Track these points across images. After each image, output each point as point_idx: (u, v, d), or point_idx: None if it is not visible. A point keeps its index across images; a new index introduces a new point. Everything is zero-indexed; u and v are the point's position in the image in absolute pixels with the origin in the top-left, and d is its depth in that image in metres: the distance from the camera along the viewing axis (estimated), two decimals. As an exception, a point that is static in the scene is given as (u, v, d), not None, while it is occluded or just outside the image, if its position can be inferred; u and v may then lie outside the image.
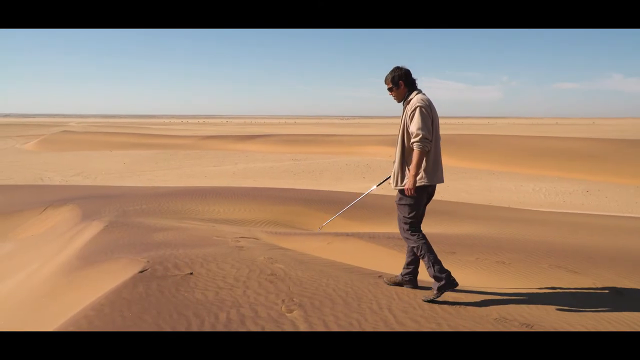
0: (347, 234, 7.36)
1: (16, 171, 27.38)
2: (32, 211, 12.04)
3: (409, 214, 4.09)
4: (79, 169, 28.23)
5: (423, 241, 4.07)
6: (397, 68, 4.24)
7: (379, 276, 4.57)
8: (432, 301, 3.99)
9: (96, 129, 70.03)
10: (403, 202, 4.11)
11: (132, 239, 6.14)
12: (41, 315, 4.61)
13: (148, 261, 4.60)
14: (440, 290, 4.00)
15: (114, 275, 4.50)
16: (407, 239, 4.14)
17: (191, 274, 4.31)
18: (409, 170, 4.02)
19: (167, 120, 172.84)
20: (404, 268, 4.39)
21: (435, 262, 4.02)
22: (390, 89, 4.26)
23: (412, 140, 3.96)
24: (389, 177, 4.50)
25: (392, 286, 4.38)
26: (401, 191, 4.11)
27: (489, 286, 4.84)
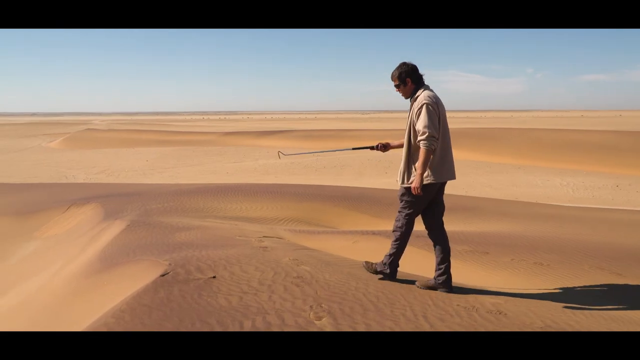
0: (374, 232, 7.11)
1: (41, 169, 27.85)
2: (56, 210, 12.11)
3: (409, 210, 4.13)
4: (102, 167, 28.56)
5: (405, 238, 4.18)
6: (404, 64, 4.15)
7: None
8: (374, 272, 4.34)
9: (119, 127, 71.02)
10: (406, 198, 4.11)
11: (154, 239, 6.01)
12: (63, 319, 4.51)
13: (170, 263, 4.44)
14: (380, 274, 4.31)
15: (135, 278, 4.36)
16: (395, 233, 4.21)
17: (214, 277, 4.12)
18: (414, 169, 4.00)
19: (188, 117, 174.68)
20: (436, 270, 4.22)
21: (396, 257, 4.22)
22: (397, 86, 4.19)
23: (419, 138, 3.91)
24: (369, 147, 4.66)
25: (426, 290, 4.13)
26: (406, 188, 4.08)
27: (529, 290, 4.55)
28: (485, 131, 39.59)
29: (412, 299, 3.85)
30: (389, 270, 4.27)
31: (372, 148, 4.64)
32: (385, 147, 4.60)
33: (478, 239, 6.34)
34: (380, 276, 4.34)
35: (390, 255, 4.26)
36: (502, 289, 4.46)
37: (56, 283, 5.87)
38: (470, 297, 4.00)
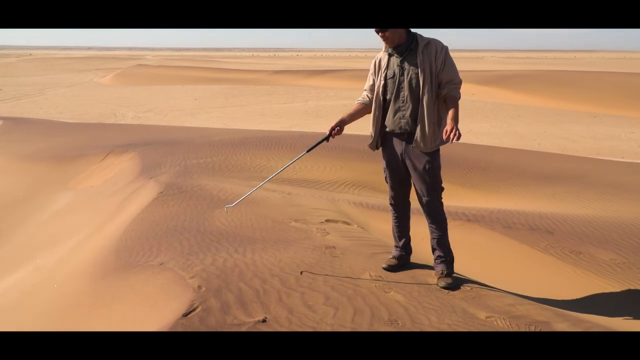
0: (467, 217, 5.44)
1: (92, 106, 27.47)
2: (94, 157, 11.24)
3: (439, 180, 3.52)
4: (151, 105, 27.82)
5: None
6: None
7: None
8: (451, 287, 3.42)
9: (170, 63, 70.41)
10: (436, 164, 3.47)
11: (186, 222, 4.65)
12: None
13: (199, 285, 3.02)
14: (452, 271, 3.62)
15: (150, 303, 3.01)
16: (440, 213, 3.56)
17: (264, 321, 2.68)
18: (435, 127, 3.40)
19: (238, 54, 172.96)
20: (401, 248, 3.77)
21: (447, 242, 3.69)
22: (384, 29, 3.42)
23: (452, 87, 3.43)
24: (323, 139, 3.73)
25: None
26: (434, 153, 3.44)
27: None
28: (555, 74, 35.79)
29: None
30: (452, 266, 3.63)
31: (327, 140, 3.74)
32: (341, 129, 3.70)
33: (622, 239, 4.52)
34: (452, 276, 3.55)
35: (444, 252, 3.60)
36: None
37: (67, 269, 4.71)
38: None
